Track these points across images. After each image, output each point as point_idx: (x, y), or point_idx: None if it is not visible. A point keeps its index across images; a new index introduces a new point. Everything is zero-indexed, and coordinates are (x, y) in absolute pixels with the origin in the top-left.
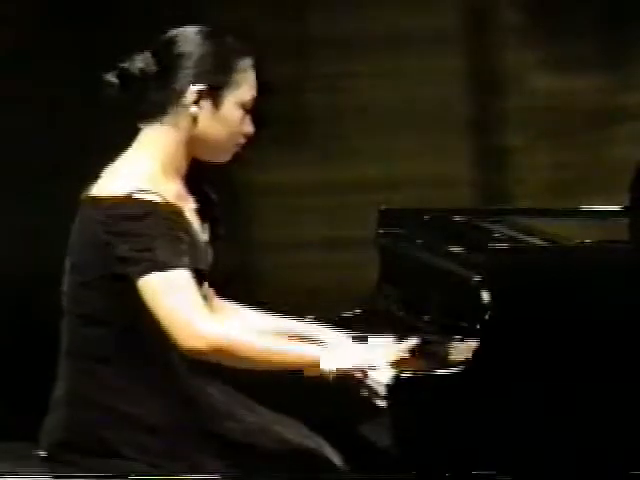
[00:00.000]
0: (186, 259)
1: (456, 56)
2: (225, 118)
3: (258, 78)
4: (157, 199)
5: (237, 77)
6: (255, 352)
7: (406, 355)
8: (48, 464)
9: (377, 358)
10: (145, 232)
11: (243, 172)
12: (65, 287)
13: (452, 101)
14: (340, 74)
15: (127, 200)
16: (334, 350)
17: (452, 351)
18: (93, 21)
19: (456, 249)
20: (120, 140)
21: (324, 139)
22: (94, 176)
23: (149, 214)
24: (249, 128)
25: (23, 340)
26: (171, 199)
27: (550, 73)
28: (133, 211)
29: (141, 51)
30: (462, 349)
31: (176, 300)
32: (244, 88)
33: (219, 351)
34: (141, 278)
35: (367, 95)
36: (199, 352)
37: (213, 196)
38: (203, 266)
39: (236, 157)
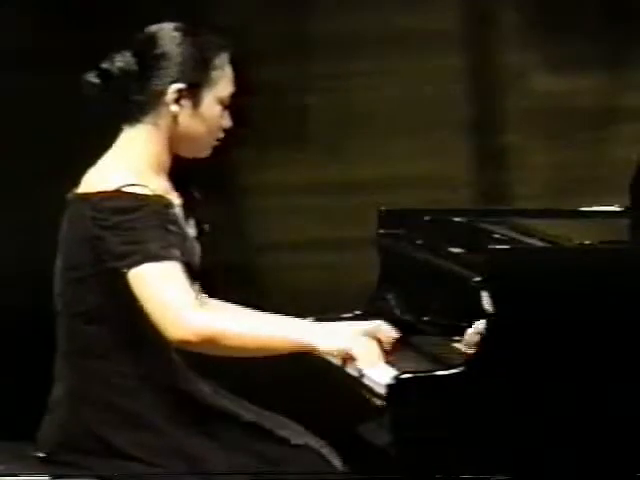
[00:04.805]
0: (176, 251)
1: (456, 56)
2: (205, 115)
3: (239, 75)
4: (147, 192)
5: (215, 74)
6: (245, 340)
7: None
8: (47, 465)
9: (360, 343)
10: (136, 225)
11: (243, 172)
12: (58, 288)
13: (452, 101)
14: (340, 74)
15: (117, 194)
16: (323, 330)
17: (451, 350)
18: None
19: (456, 250)
20: (103, 141)
21: (324, 139)
22: (77, 177)
23: (139, 207)
24: (228, 122)
25: (22, 340)
26: (159, 193)
27: (550, 73)
28: (123, 204)
29: (120, 51)
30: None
31: (166, 292)
32: (222, 84)
33: (208, 342)
34: (132, 270)
35: (367, 95)
36: (188, 343)
37: (197, 194)
38: (192, 261)
39: (236, 157)
